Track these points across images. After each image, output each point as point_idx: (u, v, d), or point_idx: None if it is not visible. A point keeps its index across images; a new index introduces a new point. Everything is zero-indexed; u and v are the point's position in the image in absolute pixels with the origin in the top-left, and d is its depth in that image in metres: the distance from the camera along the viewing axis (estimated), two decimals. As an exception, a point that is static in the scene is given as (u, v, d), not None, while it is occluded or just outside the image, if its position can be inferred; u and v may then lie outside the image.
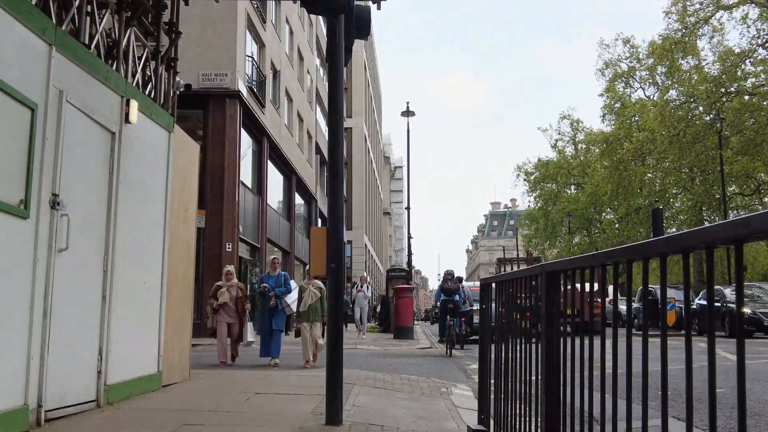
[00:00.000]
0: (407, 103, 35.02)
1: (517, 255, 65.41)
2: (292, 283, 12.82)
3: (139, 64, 8.15)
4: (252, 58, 25.45)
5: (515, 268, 49.77)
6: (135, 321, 7.15)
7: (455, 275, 18.14)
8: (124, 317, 6.80)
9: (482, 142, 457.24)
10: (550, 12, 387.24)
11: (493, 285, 5.08)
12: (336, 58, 6.03)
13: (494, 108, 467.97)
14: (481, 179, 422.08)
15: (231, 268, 12.76)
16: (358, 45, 67.09)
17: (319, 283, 11.88)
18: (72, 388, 5.94)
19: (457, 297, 17.00)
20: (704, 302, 23.03)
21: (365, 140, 70.34)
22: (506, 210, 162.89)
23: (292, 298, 12.32)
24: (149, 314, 7.53)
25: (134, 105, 6.94)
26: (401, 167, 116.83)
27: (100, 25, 7.10)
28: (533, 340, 3.75)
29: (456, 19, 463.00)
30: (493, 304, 5.11)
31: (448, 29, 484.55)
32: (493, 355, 4.98)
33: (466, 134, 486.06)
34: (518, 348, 4.13)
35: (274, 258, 13.32)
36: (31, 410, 5.22)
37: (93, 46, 6.90)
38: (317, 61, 43.49)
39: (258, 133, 26.65)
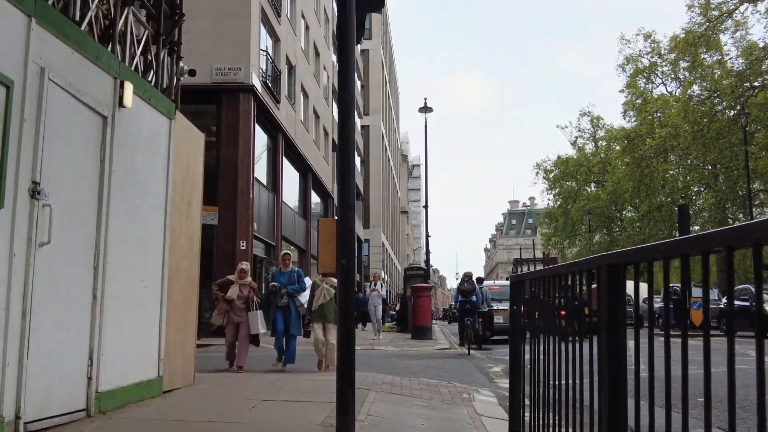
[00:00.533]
0: (425, 99, 34.44)
1: (534, 255, 64.44)
2: (307, 281, 11.78)
3: (138, 47, 7.61)
4: (266, 52, 24.92)
5: (532, 269, 49.67)
6: (131, 322, 6.60)
7: (473, 276, 18.39)
8: (118, 318, 6.25)
9: (500, 142, 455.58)
10: (566, 10, 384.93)
11: (528, 283, 4.48)
12: (346, 31, 5.43)
13: (511, 107, 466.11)
14: (499, 178, 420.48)
15: (246, 265, 11.59)
16: (375, 41, 66.74)
17: (334, 281, 10.73)
18: (57, 397, 5.38)
19: (473, 298, 17.38)
20: (739, 302, 22.28)
21: (382, 138, 69.78)
22: (525, 208, 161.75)
23: (306, 297, 11.34)
24: (147, 315, 6.97)
25: (129, 87, 6.37)
26: (419, 165, 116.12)
27: (93, 2, 6.55)
28: (572, 340, 3.16)
29: (471, 19, 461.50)
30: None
31: (463, 29, 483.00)
32: (526, 358, 4.36)
33: (483, 133, 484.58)
34: (559, 350, 3.52)
35: (285, 253, 12.31)
36: (7, 422, 4.66)
37: (85, 24, 6.36)
38: (333, 58, 42.92)
39: (273, 129, 26.12)
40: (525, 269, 53.90)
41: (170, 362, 7.51)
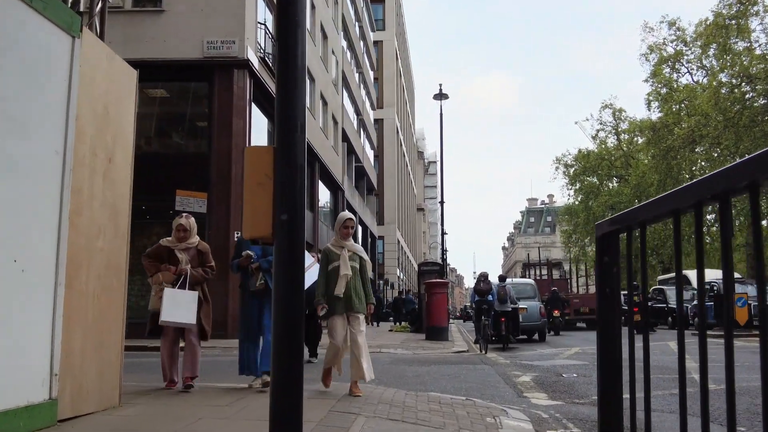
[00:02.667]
0: (440, 85, 32.36)
1: (539, 259, 62.20)
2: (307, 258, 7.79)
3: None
4: (265, 26, 22.73)
5: (540, 272, 47.66)
6: (-8, 322, 4.44)
7: (489, 276, 18.23)
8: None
9: (516, 139, 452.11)
10: (582, 7, 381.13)
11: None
12: None
13: (527, 105, 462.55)
14: (516, 176, 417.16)
15: (188, 219, 7.57)
16: (389, 32, 64.62)
17: (358, 247, 7.62)
18: None
19: (490, 297, 17.32)
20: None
21: (397, 132, 67.62)
22: (543, 206, 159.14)
23: (311, 277, 7.76)
24: (27, 311, 4.80)
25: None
26: (435, 162, 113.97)
27: None
28: None
29: (486, 17, 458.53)
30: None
31: (479, 27, 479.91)
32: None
33: (500, 131, 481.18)
34: None
35: None
36: None
37: None
38: (344, 43, 40.79)
39: (273, 110, 23.92)
40: (533, 272, 51.93)
41: (75, 378, 5.35)
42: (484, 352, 15.68)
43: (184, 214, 7.60)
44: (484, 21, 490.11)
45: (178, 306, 7.06)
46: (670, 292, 30.66)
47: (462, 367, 11.78)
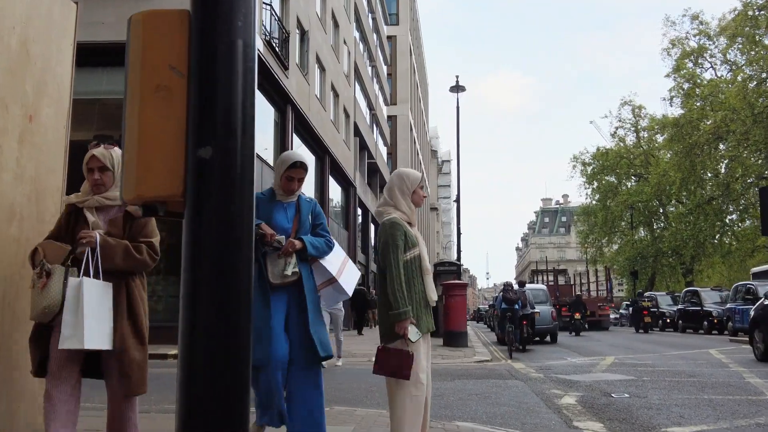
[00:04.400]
0: (456, 77, 30.70)
1: (546, 266, 61.05)
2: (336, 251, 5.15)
3: None
4: (271, 6, 21.13)
5: (549, 279, 47.42)
6: None
7: (518, 282, 20.16)
8: None
9: (530, 140, 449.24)
10: (597, 6, 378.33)
11: None
12: None
13: (540, 105, 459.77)
14: (530, 176, 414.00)
15: (104, 151, 3.89)
16: (402, 27, 62.98)
17: (415, 232, 4.37)
18: None
19: (516, 306, 18.33)
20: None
21: (411, 129, 65.99)
22: (558, 206, 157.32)
23: (352, 276, 4.96)
24: None
25: None
26: (449, 161, 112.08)
27: None
28: None
29: (496, 15, 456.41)
30: None
31: (492, 27, 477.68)
32: None
33: (512, 131, 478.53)
34: None
35: (294, 162, 4.66)
36: None
37: None
38: (356, 34, 39.20)
39: (280, 99, 22.39)
40: (543, 279, 51.29)
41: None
42: (509, 358, 15.66)
43: (106, 144, 3.95)
44: (494, 19, 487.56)
45: (84, 313, 3.53)
46: (705, 294, 28.89)
47: (490, 383, 10.14)
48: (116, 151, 3.95)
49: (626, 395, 8.75)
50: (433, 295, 4.24)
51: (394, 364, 3.92)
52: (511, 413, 7.32)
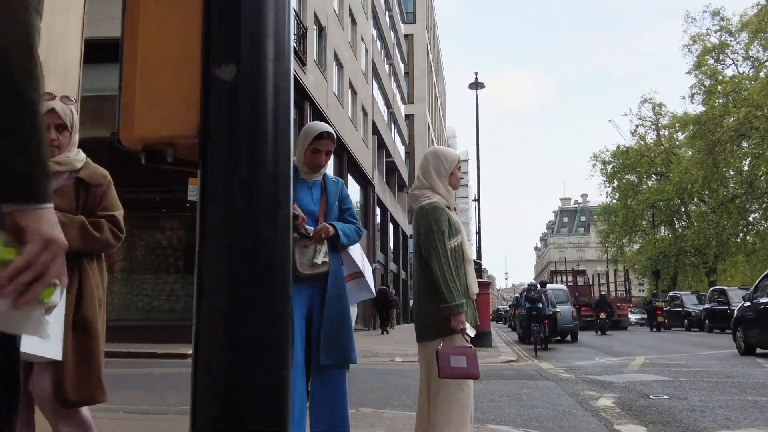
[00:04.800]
0: (476, 73, 30.27)
1: (569, 268, 60.53)
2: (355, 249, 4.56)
3: None
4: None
5: (568, 279, 47.51)
6: None
7: (539, 282, 20.84)
8: None
9: (548, 140, 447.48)
10: (612, 6, 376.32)
11: None
12: None
13: (558, 105, 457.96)
14: (548, 176, 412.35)
15: (61, 105, 3.08)
16: (419, 26, 62.54)
17: (456, 217, 3.98)
18: None
19: (540, 305, 18.44)
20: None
21: (428, 129, 65.58)
22: (577, 206, 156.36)
23: (371, 273, 4.58)
24: None
25: None
26: (466, 161, 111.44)
27: None
28: None
29: (514, 16, 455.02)
30: None
31: (506, 27, 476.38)
32: None
33: (529, 131, 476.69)
34: None
35: (322, 133, 4.04)
36: None
37: None
38: (374, 32, 38.84)
39: (298, 95, 22.08)
40: (560, 279, 51.05)
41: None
42: (534, 357, 15.65)
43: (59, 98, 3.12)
44: (509, 19, 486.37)
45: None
46: (732, 293, 28.16)
47: (521, 384, 9.71)
48: (73, 107, 3.17)
49: (665, 397, 8.31)
50: (474, 287, 3.83)
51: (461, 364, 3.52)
52: (546, 416, 6.91)
